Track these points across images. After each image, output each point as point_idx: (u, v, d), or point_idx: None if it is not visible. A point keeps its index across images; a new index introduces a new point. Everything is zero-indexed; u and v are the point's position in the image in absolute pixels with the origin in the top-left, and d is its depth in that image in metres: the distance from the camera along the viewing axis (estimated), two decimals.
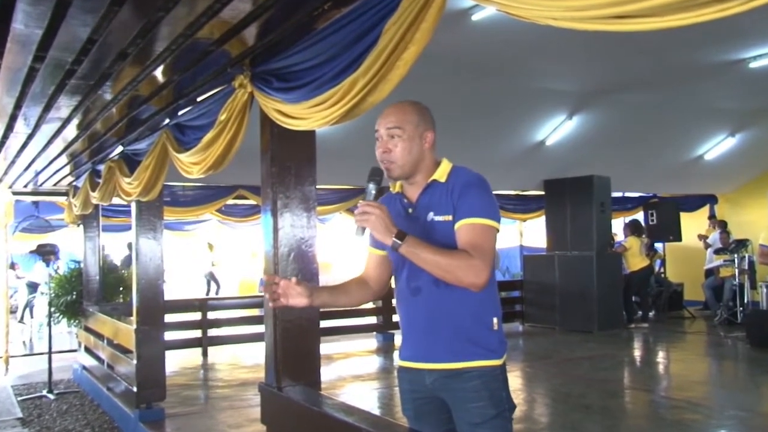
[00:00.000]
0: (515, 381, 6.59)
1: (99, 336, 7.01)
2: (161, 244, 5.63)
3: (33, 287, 11.71)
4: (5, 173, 7.56)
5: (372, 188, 2.05)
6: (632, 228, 10.51)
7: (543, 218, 10.73)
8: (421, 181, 2.12)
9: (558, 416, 5.54)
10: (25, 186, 8.67)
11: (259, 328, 6.63)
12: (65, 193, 8.94)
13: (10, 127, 4.96)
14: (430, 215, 2.06)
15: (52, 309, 7.86)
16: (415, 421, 2.20)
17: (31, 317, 11.72)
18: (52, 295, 7.94)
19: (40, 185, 8.62)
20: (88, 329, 7.62)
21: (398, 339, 2.36)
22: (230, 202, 10.08)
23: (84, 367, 7.62)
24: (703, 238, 11.57)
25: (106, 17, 2.77)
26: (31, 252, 8.40)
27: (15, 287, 12.35)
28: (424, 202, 2.10)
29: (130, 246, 11.49)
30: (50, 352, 7.19)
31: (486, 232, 1.98)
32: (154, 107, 4.41)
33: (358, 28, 2.44)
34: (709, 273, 10.91)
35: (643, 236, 10.64)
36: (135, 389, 5.37)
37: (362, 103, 2.45)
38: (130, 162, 5.49)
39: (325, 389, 3.57)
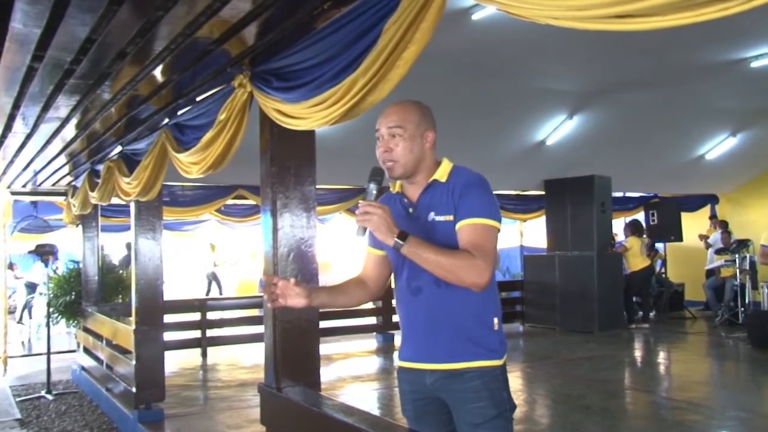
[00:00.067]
0: (515, 381, 6.58)
1: (98, 336, 7.00)
2: (160, 244, 5.62)
3: (31, 287, 11.68)
4: (4, 173, 7.55)
5: (373, 188, 2.04)
6: (633, 228, 10.49)
7: (543, 218, 10.71)
8: (421, 181, 2.11)
9: (558, 417, 5.53)
10: (24, 186, 8.66)
11: (259, 329, 6.63)
12: (64, 193, 8.93)
13: (8, 127, 4.95)
14: (431, 215, 2.06)
15: (51, 309, 7.85)
16: (415, 422, 2.20)
17: (30, 318, 11.69)
18: (51, 295, 7.94)
19: (39, 185, 8.61)
20: (86, 330, 7.61)
21: (398, 339, 2.35)
22: (230, 202, 10.07)
23: (83, 368, 7.60)
24: (704, 238, 11.56)
25: (105, 16, 2.76)
26: (30, 252, 8.39)
27: (13, 287, 12.33)
28: (424, 202, 2.09)
29: (128, 246, 11.48)
30: (49, 353, 7.17)
31: (487, 232, 1.98)
32: (154, 107, 4.40)
33: (358, 27, 2.43)
34: (710, 273, 10.89)
35: (644, 236, 10.62)
36: (134, 390, 5.35)
37: (362, 103, 2.45)
38: (129, 162, 5.48)
39: (324, 390, 3.56)
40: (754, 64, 6.42)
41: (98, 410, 6.39)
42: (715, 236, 11.15)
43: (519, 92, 7.37)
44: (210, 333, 8.81)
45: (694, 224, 12.10)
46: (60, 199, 9.48)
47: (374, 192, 2.05)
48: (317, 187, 3.47)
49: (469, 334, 2.03)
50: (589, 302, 9.39)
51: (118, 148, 5.79)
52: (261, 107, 3.23)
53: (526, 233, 14.91)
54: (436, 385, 2.07)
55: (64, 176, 7.84)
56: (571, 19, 1.58)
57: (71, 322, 8.25)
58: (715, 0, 1.31)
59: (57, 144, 5.72)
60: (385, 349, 9.13)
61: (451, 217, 2.01)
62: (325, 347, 7.86)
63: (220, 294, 14.66)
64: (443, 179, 2.07)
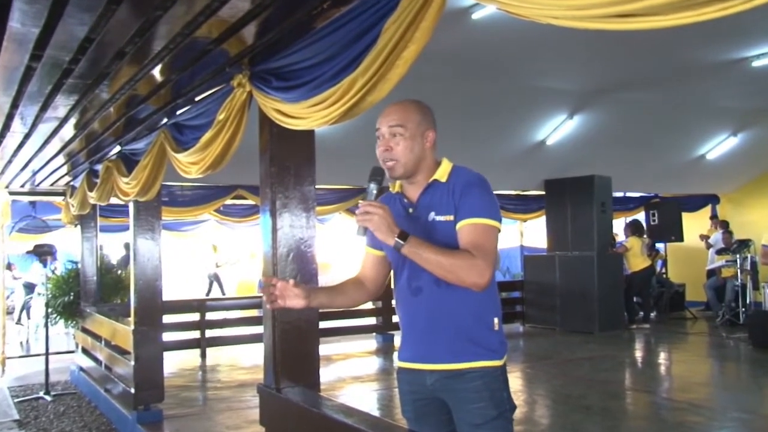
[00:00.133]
0: (516, 382, 6.57)
1: (96, 337, 6.98)
2: (159, 244, 5.61)
3: (30, 288, 11.67)
4: (2, 173, 7.53)
5: (373, 188, 2.04)
6: (633, 228, 10.48)
7: (543, 218, 10.70)
8: (421, 181, 2.11)
9: (558, 417, 5.51)
10: (22, 186, 8.65)
11: (258, 329, 6.63)
12: (62, 193, 8.92)
13: (6, 127, 4.93)
14: (432, 215, 2.05)
15: (49, 310, 7.83)
16: (415, 423, 2.19)
17: (28, 318, 11.68)
18: (49, 295, 7.92)
19: (37, 185, 8.59)
20: (85, 330, 7.59)
21: (398, 340, 2.33)
22: (229, 202, 10.06)
23: (81, 369, 7.58)
24: (704, 238, 11.54)
25: (104, 16, 2.75)
26: (28, 252, 8.37)
27: (12, 288, 12.32)
28: (425, 202, 2.09)
29: (127, 246, 11.49)
30: (47, 354, 7.16)
31: (488, 232, 1.98)
32: (152, 107, 4.39)
33: (358, 27, 2.43)
34: (711, 273, 10.88)
35: (645, 236, 10.61)
36: (133, 391, 5.34)
37: (362, 103, 2.44)
38: (128, 162, 5.47)
39: (324, 390, 3.56)
40: (756, 64, 6.41)
41: (97, 411, 6.38)
42: (716, 236, 11.13)
43: (519, 92, 7.36)
44: (209, 333, 8.79)
45: (695, 224, 12.09)
46: (58, 199, 9.46)
47: (374, 192, 2.05)
48: (317, 187, 3.46)
49: (469, 334, 2.03)
50: (590, 302, 9.37)
51: (117, 148, 5.78)
52: (260, 107, 3.22)
53: (527, 233, 14.90)
54: (436, 385, 2.07)
55: (63, 176, 7.83)
56: (571, 18, 1.58)
57: (70, 322, 8.23)
58: None
59: (55, 144, 5.70)
60: (385, 350, 9.12)
61: (451, 217, 2.01)
62: (325, 348, 7.85)
63: (223, 294, 14.68)
64: (443, 179, 2.07)
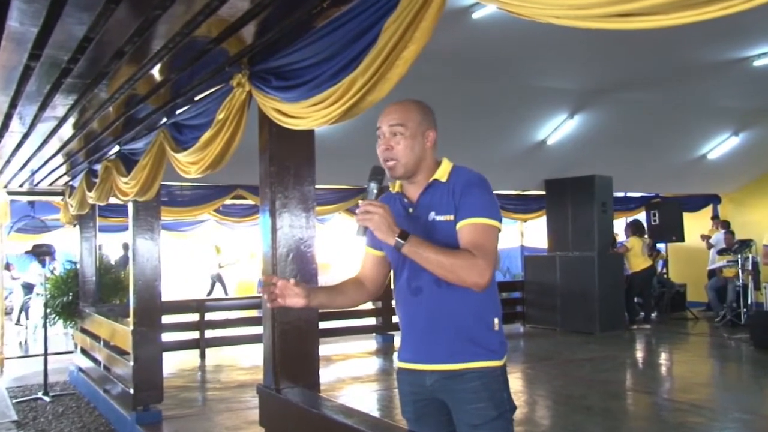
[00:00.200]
0: (516, 382, 6.56)
1: (95, 337, 6.97)
2: (158, 244, 5.59)
3: (28, 288, 11.67)
4: (0, 173, 7.52)
5: (373, 187, 2.04)
6: (634, 228, 10.46)
7: (544, 218, 10.68)
8: (421, 181, 2.10)
9: (559, 418, 5.50)
10: (21, 186, 8.63)
11: (258, 330, 6.60)
12: (61, 193, 8.91)
13: (5, 126, 4.92)
14: (432, 215, 2.05)
15: (48, 310, 7.82)
16: (415, 423, 2.19)
17: (27, 319, 11.68)
18: (48, 296, 7.90)
19: (36, 185, 8.58)
20: (84, 330, 7.58)
21: (398, 340, 2.32)
22: (228, 202, 10.06)
23: (80, 369, 7.57)
24: (706, 238, 11.52)
25: (103, 15, 2.75)
26: (27, 252, 8.36)
27: (10, 288, 12.31)
28: (425, 201, 2.09)
29: (125, 246, 11.49)
30: (46, 354, 7.14)
31: (488, 231, 1.98)
32: (152, 106, 4.38)
33: (358, 26, 2.43)
34: (712, 274, 10.87)
35: (645, 236, 10.59)
36: (132, 391, 5.32)
37: (361, 102, 2.44)
38: (127, 161, 5.46)
39: (324, 391, 3.55)
40: (757, 63, 6.40)
41: (96, 412, 6.37)
42: (717, 236, 11.12)
43: (519, 91, 7.34)
44: (208, 334, 8.78)
45: (696, 224, 12.08)
46: (57, 199, 9.46)
47: (375, 191, 2.04)
48: (316, 187, 3.45)
49: (469, 333, 2.02)
50: (590, 303, 9.36)
51: (116, 148, 5.76)
52: (260, 106, 3.21)
53: (527, 233, 14.90)
54: (436, 385, 2.06)
55: (62, 176, 7.82)
56: (572, 17, 1.58)
57: (68, 323, 8.23)
58: None
59: (54, 143, 5.69)
60: (385, 350, 9.10)
61: (451, 217, 2.01)
62: (325, 348, 7.84)
63: (226, 295, 14.72)
64: (443, 179, 2.07)
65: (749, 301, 9.66)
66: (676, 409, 5.60)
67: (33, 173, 7.58)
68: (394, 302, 2.23)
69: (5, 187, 8.63)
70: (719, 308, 10.19)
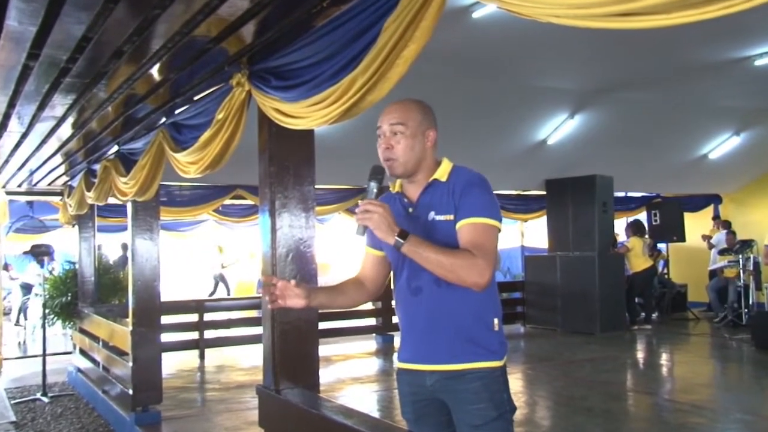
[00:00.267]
0: (516, 383, 6.54)
1: (94, 338, 6.96)
2: (158, 244, 5.58)
3: (27, 289, 11.66)
4: None
5: (373, 186, 2.03)
6: (635, 228, 10.44)
7: (544, 218, 10.67)
8: (421, 180, 2.10)
9: (560, 419, 5.48)
10: (19, 186, 8.62)
11: (257, 330, 6.59)
12: (60, 193, 8.90)
13: (3, 126, 4.92)
14: (431, 214, 2.05)
15: (47, 311, 7.80)
16: (415, 424, 2.18)
17: (25, 319, 11.67)
18: (47, 296, 7.88)
19: (35, 185, 8.56)
20: (83, 331, 7.56)
21: (398, 341, 2.32)
22: (228, 202, 10.05)
23: (79, 370, 7.56)
24: (707, 238, 11.51)
25: (102, 14, 2.75)
26: (25, 253, 8.35)
27: (9, 289, 12.31)
28: (425, 201, 2.08)
29: (124, 246, 11.48)
30: (44, 355, 7.12)
31: (488, 231, 1.97)
32: (151, 106, 4.37)
33: (357, 25, 2.44)
34: (713, 274, 10.86)
35: (646, 237, 10.57)
36: (131, 392, 5.31)
37: (361, 102, 2.44)
38: (126, 161, 5.45)
39: (323, 392, 3.55)
40: (758, 62, 6.39)
41: (94, 413, 6.35)
42: (719, 236, 11.11)
43: (520, 91, 7.33)
44: (208, 334, 8.76)
45: (697, 224, 12.07)
46: (56, 199, 9.45)
47: (375, 190, 2.04)
48: (316, 187, 3.45)
49: (469, 333, 2.02)
50: (591, 303, 9.34)
51: (115, 148, 5.75)
52: (259, 106, 3.21)
53: (527, 233, 14.90)
54: (435, 386, 2.06)
55: (60, 176, 7.81)
56: (573, 17, 1.58)
57: (67, 323, 8.22)
58: None
59: (53, 143, 5.68)
60: (385, 351, 9.09)
61: (451, 217, 2.00)
62: (325, 349, 7.83)
63: (228, 295, 14.74)
64: (443, 179, 2.06)
65: (750, 302, 9.64)
66: (677, 410, 5.59)
67: (32, 173, 7.57)
68: (394, 302, 2.22)
69: (4, 187, 8.62)
70: (719, 309, 10.17)
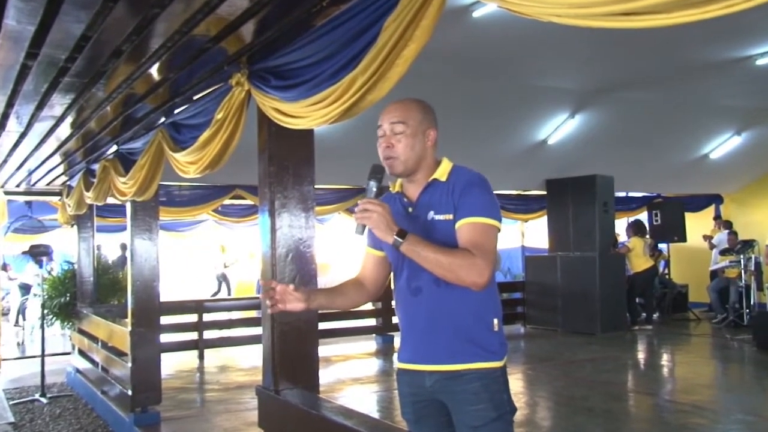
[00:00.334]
0: (517, 384, 6.53)
1: (93, 338, 6.95)
2: (157, 244, 5.57)
3: (26, 289, 11.65)
4: None
5: (373, 186, 2.03)
6: (635, 228, 10.43)
7: (545, 218, 10.66)
8: (421, 180, 2.09)
9: (560, 419, 5.47)
10: (18, 186, 8.62)
11: (257, 330, 6.57)
12: (59, 193, 8.89)
13: (2, 126, 4.91)
14: (431, 214, 2.04)
15: (45, 311, 7.79)
16: (414, 425, 2.17)
17: (24, 319, 11.66)
18: (45, 296, 7.87)
19: (33, 185, 8.55)
20: (82, 331, 7.55)
21: (398, 341, 2.31)
22: (227, 202, 10.04)
23: (78, 370, 7.55)
24: (708, 238, 11.50)
25: (101, 13, 2.74)
26: (24, 253, 8.33)
27: (7, 289, 12.30)
28: (424, 201, 2.08)
29: (123, 246, 11.48)
30: (43, 355, 7.11)
31: (487, 231, 1.97)
32: (150, 106, 4.36)
33: (357, 25, 2.44)
34: (714, 274, 10.84)
35: (647, 237, 10.56)
36: (130, 392, 5.30)
37: (361, 102, 2.43)
38: (125, 161, 5.44)
39: (323, 392, 3.54)
40: (760, 62, 6.37)
41: (93, 413, 6.34)
42: (720, 236, 11.09)
43: (520, 91, 7.32)
44: (207, 335, 8.75)
45: (698, 224, 12.05)
46: (55, 199, 9.44)
47: (374, 189, 2.04)
48: (316, 186, 3.44)
49: (469, 334, 2.01)
50: (592, 303, 9.33)
51: (114, 148, 5.74)
52: (259, 106, 3.20)
53: (528, 233, 14.90)
54: (435, 386, 2.05)
55: (59, 176, 7.80)
56: (574, 16, 1.58)
57: (66, 323, 8.20)
58: None
59: (51, 143, 5.67)
60: (385, 351, 9.08)
61: (450, 216, 2.00)
62: (324, 349, 7.81)
63: (229, 295, 14.75)
64: (443, 178, 2.06)
65: (752, 302, 9.63)
66: (678, 411, 5.57)
67: (30, 173, 7.56)
68: (394, 303, 2.21)
69: (2, 186, 8.61)
70: (720, 310, 10.15)
